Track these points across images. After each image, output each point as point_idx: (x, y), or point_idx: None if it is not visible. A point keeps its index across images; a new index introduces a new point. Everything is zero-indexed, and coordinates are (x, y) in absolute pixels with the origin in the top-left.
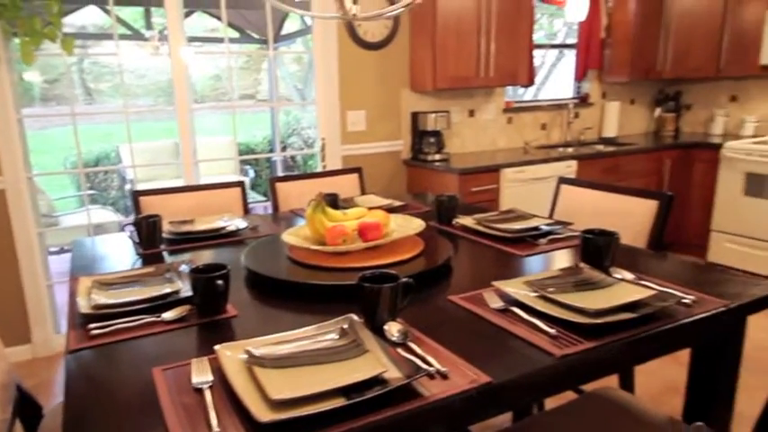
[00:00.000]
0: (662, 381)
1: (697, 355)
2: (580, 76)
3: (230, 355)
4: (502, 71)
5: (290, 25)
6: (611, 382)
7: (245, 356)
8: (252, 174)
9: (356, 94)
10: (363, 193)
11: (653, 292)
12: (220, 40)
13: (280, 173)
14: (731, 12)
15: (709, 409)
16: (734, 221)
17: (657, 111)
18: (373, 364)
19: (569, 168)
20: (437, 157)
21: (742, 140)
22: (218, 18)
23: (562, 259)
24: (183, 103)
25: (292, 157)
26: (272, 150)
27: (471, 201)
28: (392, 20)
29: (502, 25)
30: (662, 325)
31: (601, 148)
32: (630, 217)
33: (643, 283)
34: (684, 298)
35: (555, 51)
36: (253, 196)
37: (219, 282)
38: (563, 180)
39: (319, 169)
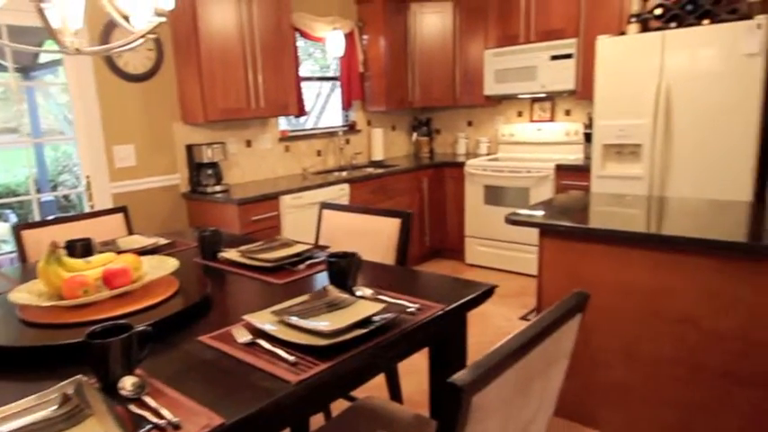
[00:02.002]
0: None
1: (432, 354)
2: (346, 105)
3: None
4: (272, 102)
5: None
6: (381, 386)
7: None
8: (13, 218)
9: (122, 127)
10: (131, 233)
11: (383, 306)
12: None
13: (48, 215)
14: (459, 52)
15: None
16: (480, 227)
17: (414, 135)
18: (94, 430)
19: (343, 191)
20: (217, 188)
21: (479, 158)
22: None
23: (316, 283)
24: None
25: (66, 197)
26: (38, 191)
27: (253, 229)
28: (155, 51)
29: (267, 59)
30: (391, 336)
31: (371, 170)
32: (381, 235)
33: (380, 297)
34: (410, 307)
35: (329, 83)
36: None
37: None
38: (324, 205)
39: (87, 210)
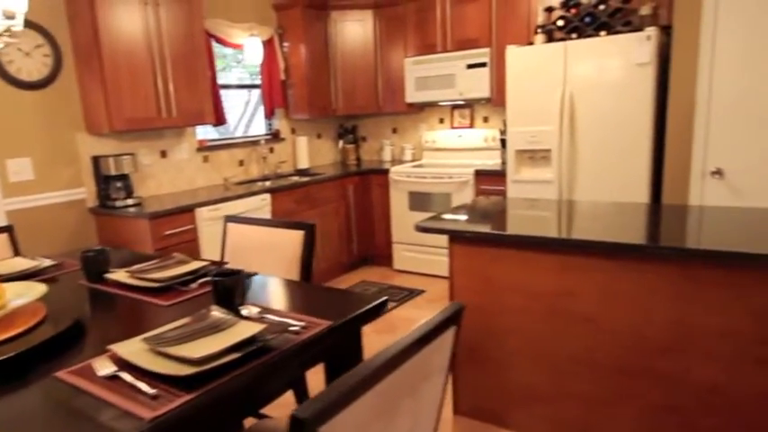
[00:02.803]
0: None
1: (327, 371)
2: (269, 113)
3: None
4: (185, 111)
5: None
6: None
7: None
8: None
9: (16, 139)
10: (18, 254)
11: (263, 327)
12: None
13: None
14: (381, 60)
15: None
16: (406, 233)
17: (341, 143)
18: None
19: (264, 202)
20: (130, 201)
21: (403, 165)
22: None
23: (204, 303)
24: None
25: None
26: None
27: (166, 245)
28: (52, 57)
29: (179, 66)
30: (270, 358)
31: (296, 179)
32: (285, 248)
33: (266, 317)
34: (294, 326)
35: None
36: None
37: None
38: (228, 219)
39: None
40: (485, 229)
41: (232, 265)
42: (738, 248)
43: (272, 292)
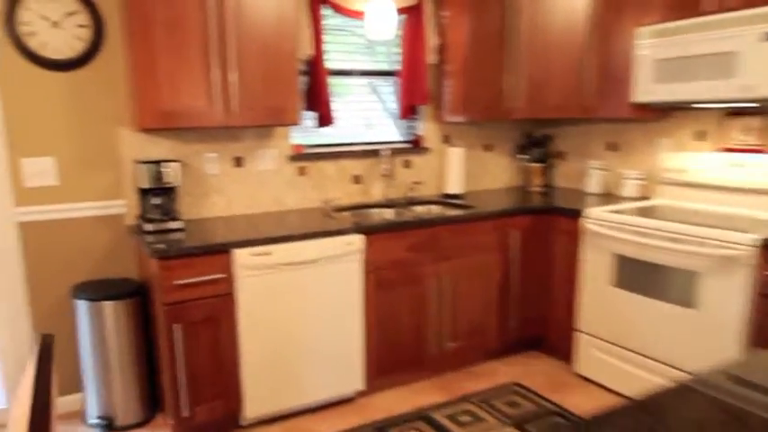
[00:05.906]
0: None
1: None
2: (405, 113)
3: None
4: (254, 107)
5: None
6: None
7: None
8: None
9: (36, 133)
10: None
11: None
12: None
13: None
14: (596, 35)
15: None
16: (604, 322)
17: (519, 160)
18: None
19: (351, 246)
20: (171, 225)
21: (618, 206)
22: None
23: None
24: None
25: None
26: None
27: (182, 299)
28: (90, 28)
29: (249, 43)
30: None
31: (435, 210)
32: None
33: None
34: None
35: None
36: None
37: None
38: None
39: None
40: None
41: None
42: None
43: None
